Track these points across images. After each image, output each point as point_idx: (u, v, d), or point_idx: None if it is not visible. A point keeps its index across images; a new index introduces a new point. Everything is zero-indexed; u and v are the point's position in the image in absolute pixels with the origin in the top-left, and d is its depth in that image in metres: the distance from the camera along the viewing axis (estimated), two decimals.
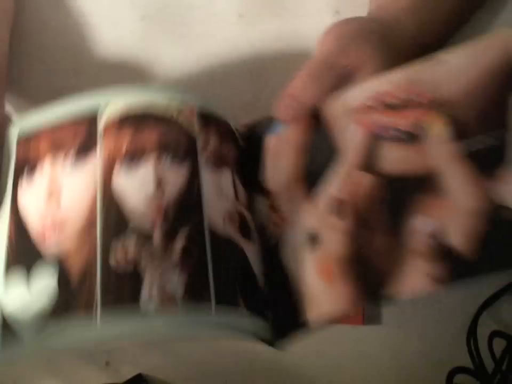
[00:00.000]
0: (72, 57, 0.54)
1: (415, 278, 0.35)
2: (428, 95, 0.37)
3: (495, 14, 0.52)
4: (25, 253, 0.36)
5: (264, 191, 0.41)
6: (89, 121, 0.39)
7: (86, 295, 0.33)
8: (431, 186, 0.36)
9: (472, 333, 0.44)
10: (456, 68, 0.37)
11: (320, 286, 0.37)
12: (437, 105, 0.37)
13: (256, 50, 0.54)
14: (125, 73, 0.53)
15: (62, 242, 0.35)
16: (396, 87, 0.38)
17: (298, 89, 0.40)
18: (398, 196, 0.37)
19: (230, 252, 0.37)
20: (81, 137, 0.38)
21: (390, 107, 0.38)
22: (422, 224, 0.35)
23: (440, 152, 0.36)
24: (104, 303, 0.33)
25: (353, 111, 0.39)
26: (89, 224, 0.35)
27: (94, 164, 0.37)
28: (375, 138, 0.38)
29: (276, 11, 0.55)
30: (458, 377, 0.43)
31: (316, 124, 0.41)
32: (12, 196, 0.38)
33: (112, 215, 0.35)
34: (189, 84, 0.53)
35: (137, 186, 0.36)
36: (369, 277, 0.36)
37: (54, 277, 0.35)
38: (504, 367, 0.43)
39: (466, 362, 0.44)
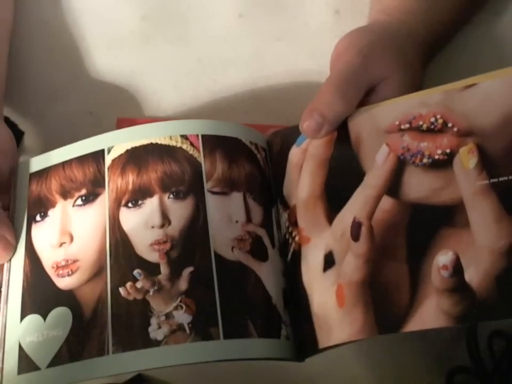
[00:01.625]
0: (72, 57, 0.54)
1: (430, 313, 0.33)
2: (461, 123, 0.36)
3: (497, 15, 0.52)
4: (41, 288, 0.38)
5: (285, 204, 0.40)
6: (96, 161, 0.40)
7: (97, 333, 0.36)
8: (456, 218, 0.35)
9: (472, 333, 0.44)
10: (492, 96, 0.36)
11: (332, 309, 0.36)
12: (469, 134, 0.35)
13: (256, 50, 0.54)
14: (125, 73, 0.53)
15: (74, 279, 0.38)
16: (429, 110, 0.37)
17: (325, 105, 0.39)
18: (420, 225, 0.35)
19: (239, 278, 0.37)
20: (90, 177, 0.40)
21: (422, 131, 0.37)
22: (442, 258, 0.34)
23: (466, 184, 0.35)
24: (114, 341, 0.35)
25: (383, 131, 0.38)
26: (100, 259, 0.38)
27: (102, 203, 0.39)
28: (403, 163, 0.37)
29: (275, 11, 0.55)
30: (458, 377, 0.42)
31: (340, 138, 0.40)
32: (26, 232, 0.40)
33: (120, 249, 0.37)
34: (189, 84, 0.53)
35: (143, 222, 0.38)
36: (382, 306, 0.35)
37: (68, 312, 0.37)
38: (504, 367, 0.43)
39: (466, 362, 0.44)
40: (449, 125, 0.36)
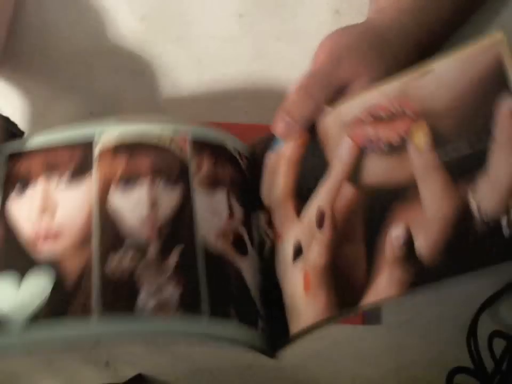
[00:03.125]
0: (72, 57, 0.54)
1: (384, 284, 0.35)
2: (414, 107, 0.38)
3: (496, 14, 0.52)
4: (14, 257, 0.38)
5: (264, 208, 0.42)
6: (85, 147, 0.41)
7: (82, 297, 0.36)
8: (407, 194, 0.36)
9: (472, 333, 0.44)
10: (445, 78, 0.37)
11: (301, 296, 0.38)
12: (422, 116, 0.37)
13: (256, 50, 0.54)
14: (125, 74, 0.53)
15: (57, 250, 0.38)
16: (387, 99, 0.39)
17: (293, 105, 0.41)
18: (377, 207, 0.37)
19: (222, 267, 0.38)
20: (77, 160, 0.41)
21: (380, 119, 0.38)
22: (395, 231, 0.36)
23: (418, 162, 0.37)
24: (100, 305, 0.35)
25: (346, 125, 0.40)
26: (85, 236, 0.38)
27: (89, 185, 0.40)
28: (362, 151, 0.39)
29: (276, 11, 0.55)
30: (458, 377, 0.43)
31: (311, 139, 0.41)
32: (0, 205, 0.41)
33: (108, 230, 0.38)
34: (189, 84, 0.53)
35: (132, 207, 0.39)
36: (343, 286, 0.37)
37: (47, 278, 0.37)
38: (504, 367, 0.43)
39: (466, 362, 0.44)
40: (405, 110, 0.38)
